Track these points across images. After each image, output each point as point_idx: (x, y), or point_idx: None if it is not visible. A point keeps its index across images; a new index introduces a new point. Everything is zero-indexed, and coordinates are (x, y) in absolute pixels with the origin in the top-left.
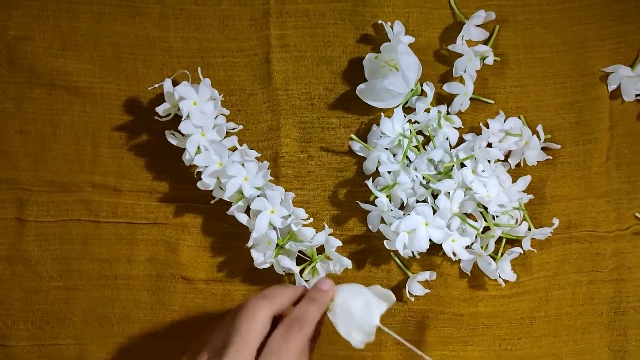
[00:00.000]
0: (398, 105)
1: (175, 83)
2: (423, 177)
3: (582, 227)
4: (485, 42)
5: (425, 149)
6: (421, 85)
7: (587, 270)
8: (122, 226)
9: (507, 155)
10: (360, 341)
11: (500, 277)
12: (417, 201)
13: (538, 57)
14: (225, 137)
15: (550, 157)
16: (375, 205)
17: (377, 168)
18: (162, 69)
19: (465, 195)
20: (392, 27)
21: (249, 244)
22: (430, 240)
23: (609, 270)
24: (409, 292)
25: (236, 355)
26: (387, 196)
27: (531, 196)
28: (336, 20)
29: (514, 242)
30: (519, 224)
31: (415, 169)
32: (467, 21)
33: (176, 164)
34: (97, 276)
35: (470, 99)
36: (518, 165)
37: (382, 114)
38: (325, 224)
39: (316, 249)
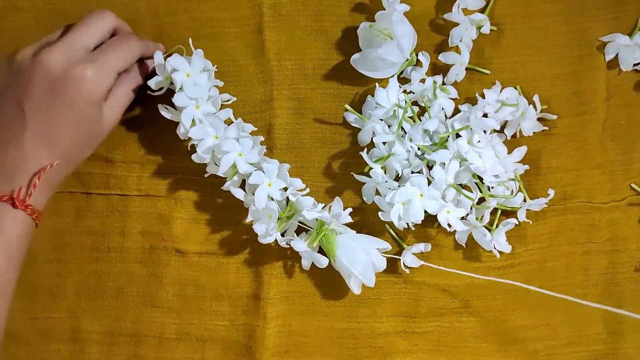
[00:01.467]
0: (393, 76)
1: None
2: (418, 148)
3: (577, 198)
4: (482, 11)
5: (421, 120)
6: (416, 55)
7: (581, 242)
8: (114, 198)
9: (503, 126)
10: (358, 287)
11: (495, 248)
12: (412, 172)
13: (535, 26)
14: (220, 109)
15: (547, 128)
16: (370, 177)
17: (371, 139)
18: (153, 41)
19: (460, 166)
20: None
21: (249, 219)
22: (425, 211)
23: (603, 242)
24: (403, 263)
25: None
26: (381, 167)
27: (527, 167)
28: None
29: (509, 213)
30: (514, 195)
31: (410, 140)
32: None
33: (168, 136)
34: (90, 249)
35: (466, 69)
36: (514, 136)
37: (377, 84)
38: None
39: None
